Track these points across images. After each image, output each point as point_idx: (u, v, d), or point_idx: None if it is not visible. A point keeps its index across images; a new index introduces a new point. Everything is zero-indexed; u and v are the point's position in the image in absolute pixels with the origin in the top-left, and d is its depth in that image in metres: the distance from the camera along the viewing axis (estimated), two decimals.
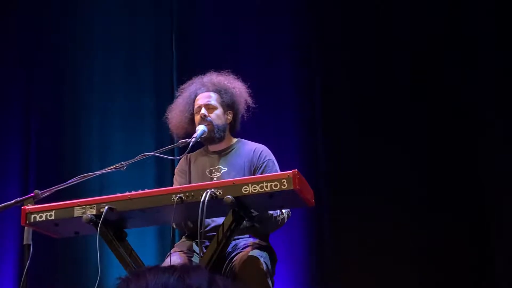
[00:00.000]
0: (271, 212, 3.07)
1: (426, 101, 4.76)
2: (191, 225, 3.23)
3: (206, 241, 3.10)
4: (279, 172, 3.22)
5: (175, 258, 3.10)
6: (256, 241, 3.20)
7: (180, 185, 3.34)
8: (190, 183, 3.37)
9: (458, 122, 4.67)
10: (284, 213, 3.19)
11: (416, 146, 4.73)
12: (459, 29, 4.79)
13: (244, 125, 3.60)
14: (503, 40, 4.67)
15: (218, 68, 3.65)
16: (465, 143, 4.64)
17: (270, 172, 3.26)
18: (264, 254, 3.10)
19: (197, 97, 3.47)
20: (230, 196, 2.65)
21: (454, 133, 4.67)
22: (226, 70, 3.60)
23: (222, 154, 3.44)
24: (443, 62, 4.78)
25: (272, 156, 3.40)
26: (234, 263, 3.04)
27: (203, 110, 3.39)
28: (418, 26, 4.87)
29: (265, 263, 3.04)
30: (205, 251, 2.89)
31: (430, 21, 4.86)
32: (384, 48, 4.92)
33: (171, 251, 3.19)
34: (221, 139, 3.42)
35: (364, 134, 4.78)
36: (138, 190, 2.83)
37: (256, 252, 3.07)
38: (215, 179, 3.32)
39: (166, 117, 3.59)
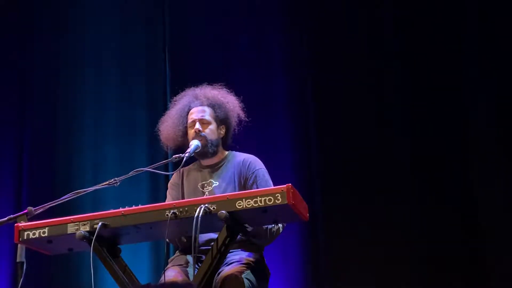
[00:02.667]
0: (265, 225, 3.07)
1: (423, 110, 4.78)
2: (185, 240, 3.22)
3: (203, 255, 3.09)
4: (270, 182, 3.29)
5: (170, 273, 3.09)
6: (245, 255, 3.17)
7: (173, 198, 3.37)
8: (183, 197, 3.37)
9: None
10: (279, 224, 3.18)
11: (413, 156, 4.73)
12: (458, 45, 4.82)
13: (238, 138, 3.61)
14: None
15: (211, 80, 3.66)
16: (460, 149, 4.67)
17: (260, 182, 3.28)
18: (248, 271, 3.05)
19: (191, 111, 3.47)
20: (224, 211, 2.64)
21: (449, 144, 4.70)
22: (219, 84, 3.60)
23: (214, 168, 3.44)
24: (442, 73, 4.80)
25: (262, 166, 3.40)
26: (217, 279, 3.01)
27: (197, 125, 3.39)
28: (414, 38, 4.90)
29: (248, 279, 3.00)
30: (200, 265, 2.88)
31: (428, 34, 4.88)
32: (379, 59, 4.93)
33: (167, 266, 3.18)
34: (214, 153, 3.43)
35: (359, 146, 4.78)
36: (131, 206, 2.83)
37: (237, 269, 3.02)
38: (206, 193, 3.32)
39: (158, 129, 3.58)
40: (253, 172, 3.35)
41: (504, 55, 4.67)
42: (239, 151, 3.54)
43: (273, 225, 3.13)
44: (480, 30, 4.77)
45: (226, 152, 3.51)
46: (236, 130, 3.54)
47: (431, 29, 4.86)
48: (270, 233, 3.13)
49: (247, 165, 3.38)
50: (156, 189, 4.89)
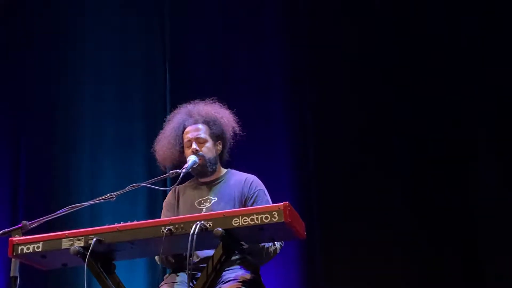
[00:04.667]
0: (262, 243, 3.03)
1: (420, 132, 4.76)
2: (173, 261, 3.20)
3: (198, 272, 3.06)
4: (270, 202, 3.26)
5: None
6: (241, 273, 3.15)
7: None
8: (178, 216, 3.33)
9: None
10: (277, 244, 3.16)
11: (412, 177, 4.71)
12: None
13: (235, 155, 3.58)
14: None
15: (210, 93, 3.64)
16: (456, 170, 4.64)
17: (261, 202, 3.25)
18: None
19: (186, 130, 3.44)
20: (220, 229, 2.60)
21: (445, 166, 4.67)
22: (215, 97, 3.58)
23: (211, 184, 3.42)
24: (440, 95, 4.78)
25: (262, 186, 3.39)
26: None
27: (194, 145, 3.37)
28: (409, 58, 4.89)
29: None
30: (195, 282, 2.85)
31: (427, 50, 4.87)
32: (377, 80, 4.92)
33: (161, 284, 3.15)
34: (213, 172, 3.41)
35: (358, 164, 4.76)
36: (127, 221, 2.80)
37: (234, 287, 3.02)
38: (204, 210, 3.29)
39: (154, 149, 3.55)
40: (254, 191, 3.33)
41: (505, 56, 4.65)
42: (237, 168, 3.52)
43: (270, 244, 3.11)
44: (481, 28, 4.76)
45: (224, 170, 3.50)
46: (231, 144, 3.52)
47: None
48: (266, 252, 3.11)
49: (249, 184, 3.36)
50: (153, 204, 4.86)
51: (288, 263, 4.61)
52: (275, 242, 3.14)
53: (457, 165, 4.64)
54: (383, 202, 4.64)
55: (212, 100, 3.57)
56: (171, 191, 3.49)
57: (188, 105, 3.55)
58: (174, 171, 3.26)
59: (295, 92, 5.07)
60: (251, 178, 3.41)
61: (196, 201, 3.37)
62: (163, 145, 3.49)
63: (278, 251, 3.19)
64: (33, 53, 5.44)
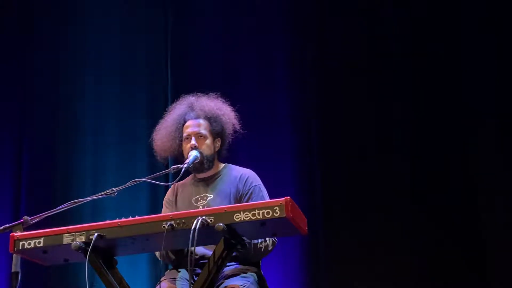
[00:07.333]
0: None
1: (424, 125, 4.75)
2: (173, 257, 3.19)
3: (198, 269, 3.06)
4: (266, 198, 3.24)
5: (163, 285, 3.07)
6: (244, 269, 3.14)
7: None
8: None
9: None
10: (268, 240, 3.13)
11: (417, 172, 4.70)
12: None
13: (239, 148, 3.56)
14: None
15: (213, 89, 3.61)
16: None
17: (256, 199, 3.23)
18: (248, 283, 3.05)
19: (186, 124, 3.41)
20: (221, 224, 2.59)
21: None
22: (215, 93, 3.54)
23: (209, 181, 3.40)
24: (443, 87, 4.77)
25: (259, 182, 3.35)
26: None
27: (193, 141, 3.34)
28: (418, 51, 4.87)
29: None
30: (196, 278, 2.84)
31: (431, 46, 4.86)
32: (383, 74, 4.91)
33: (161, 279, 3.15)
34: (209, 168, 3.38)
35: (362, 159, 4.75)
36: (129, 217, 2.79)
37: (240, 282, 3.02)
38: (200, 207, 3.27)
39: (152, 139, 3.51)
40: (249, 188, 3.30)
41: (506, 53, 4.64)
42: (240, 161, 3.50)
43: (260, 240, 3.09)
44: (480, 30, 4.74)
45: (222, 165, 3.47)
46: (230, 141, 3.48)
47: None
48: (255, 248, 3.10)
49: (244, 181, 3.33)
50: (155, 199, 4.86)
51: (290, 258, 4.60)
52: (267, 239, 3.12)
53: (463, 162, 4.62)
54: (388, 197, 4.63)
55: (215, 95, 3.53)
56: (170, 188, 3.47)
57: (190, 97, 3.51)
58: (175, 166, 3.24)
59: (299, 85, 5.06)
60: (247, 174, 3.37)
61: (193, 198, 3.35)
62: (162, 136, 3.46)
63: (270, 247, 3.16)
64: (36, 53, 5.44)
